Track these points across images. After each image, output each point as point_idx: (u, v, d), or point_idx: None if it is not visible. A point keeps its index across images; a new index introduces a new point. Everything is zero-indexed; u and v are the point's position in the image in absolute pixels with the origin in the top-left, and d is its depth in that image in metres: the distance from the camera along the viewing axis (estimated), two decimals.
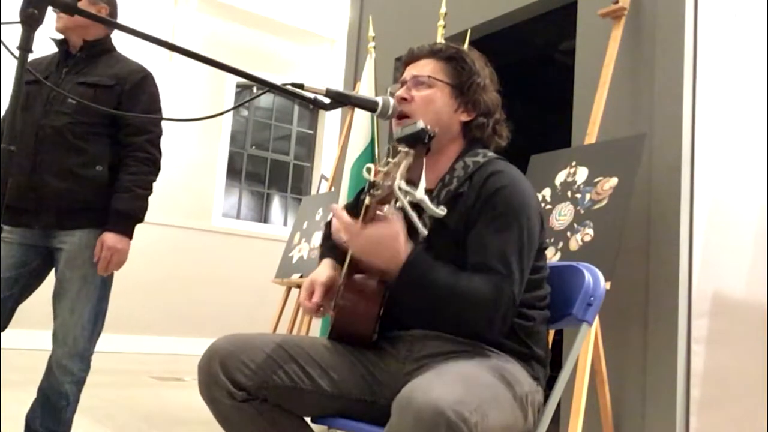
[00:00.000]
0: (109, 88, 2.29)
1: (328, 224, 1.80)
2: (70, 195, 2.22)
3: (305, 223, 4.20)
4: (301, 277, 3.90)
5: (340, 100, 1.43)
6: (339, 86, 4.12)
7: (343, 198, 3.58)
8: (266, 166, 7.91)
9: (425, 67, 1.60)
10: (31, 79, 2.20)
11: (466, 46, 2.77)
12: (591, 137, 2.68)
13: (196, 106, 6.83)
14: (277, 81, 1.39)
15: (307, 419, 1.53)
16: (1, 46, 1.24)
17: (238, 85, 7.47)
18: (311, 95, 1.41)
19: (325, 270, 1.61)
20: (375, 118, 3.09)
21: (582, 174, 2.59)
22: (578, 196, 2.56)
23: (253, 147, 7.81)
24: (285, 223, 7.86)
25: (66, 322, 2.23)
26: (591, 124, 2.69)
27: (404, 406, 1.16)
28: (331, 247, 1.67)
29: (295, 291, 4.14)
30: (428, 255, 1.40)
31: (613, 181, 2.46)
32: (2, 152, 1.10)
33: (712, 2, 2.68)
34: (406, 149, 1.26)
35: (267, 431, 1.45)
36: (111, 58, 2.40)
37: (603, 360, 2.49)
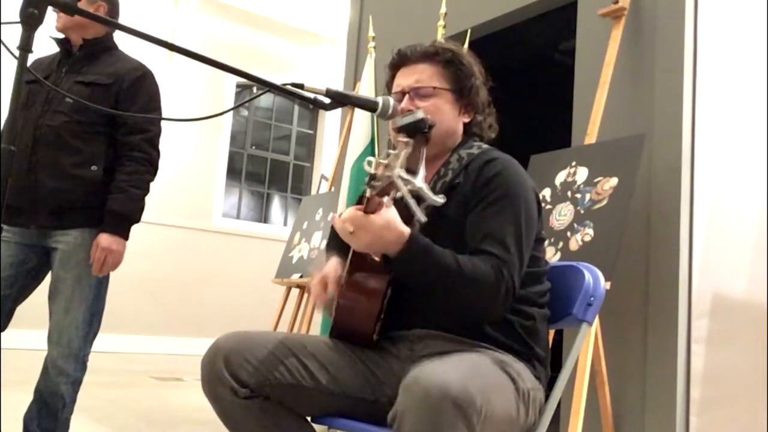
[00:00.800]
0: (106, 87, 2.28)
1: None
2: (64, 194, 2.21)
3: (305, 223, 4.20)
4: (301, 277, 3.90)
5: (340, 100, 1.44)
6: (339, 86, 4.12)
7: (343, 198, 3.58)
8: (266, 166, 7.91)
9: (424, 74, 1.60)
10: (31, 78, 2.20)
11: (466, 46, 2.78)
12: (591, 137, 2.68)
13: (196, 106, 6.83)
14: (277, 81, 1.39)
15: (308, 419, 1.53)
16: (1, 46, 1.24)
17: (238, 85, 7.47)
18: (311, 95, 1.41)
19: (334, 265, 1.61)
20: (375, 118, 3.09)
21: (582, 174, 2.59)
22: (578, 196, 2.56)
23: (253, 147, 7.80)
24: (285, 223, 7.86)
25: (61, 322, 2.22)
26: (591, 124, 2.69)
27: (411, 386, 1.17)
28: (337, 247, 1.68)
29: (295, 291, 4.15)
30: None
31: (613, 181, 2.46)
32: (2, 152, 1.10)
33: (712, 2, 2.68)
34: (406, 139, 1.27)
35: (269, 428, 1.45)
36: (111, 56, 2.38)
37: (603, 360, 2.49)
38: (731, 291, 2.62)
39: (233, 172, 7.58)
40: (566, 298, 1.56)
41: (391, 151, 1.27)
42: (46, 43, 2.32)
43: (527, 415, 1.38)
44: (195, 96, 6.95)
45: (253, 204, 7.84)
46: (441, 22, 3.40)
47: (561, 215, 2.58)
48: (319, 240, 3.98)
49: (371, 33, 3.86)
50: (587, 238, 2.43)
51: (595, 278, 1.56)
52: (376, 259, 1.47)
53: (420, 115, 1.30)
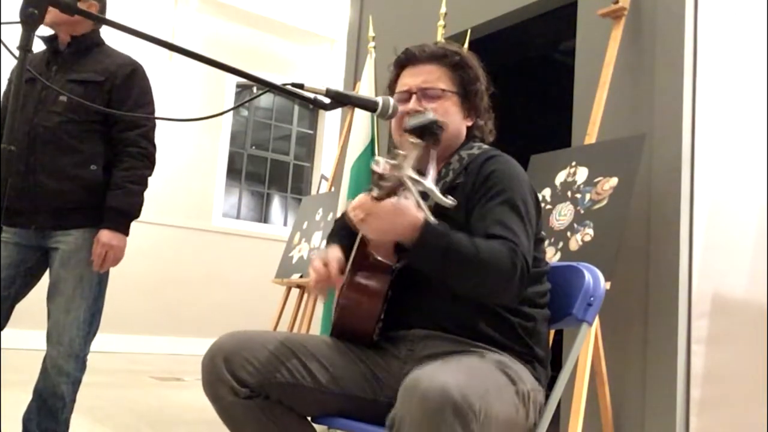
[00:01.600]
0: (99, 84, 2.27)
1: (337, 220, 1.80)
2: (65, 195, 2.21)
3: (305, 223, 4.20)
4: (301, 277, 3.90)
5: (340, 100, 1.44)
6: (339, 86, 4.12)
7: (343, 198, 3.58)
8: (266, 166, 7.91)
9: (432, 75, 1.60)
10: (25, 77, 2.19)
11: (466, 46, 2.78)
12: (591, 137, 2.68)
13: (196, 106, 6.84)
14: (277, 81, 1.39)
15: (308, 419, 1.53)
16: (1, 46, 1.24)
17: (238, 85, 7.47)
18: (311, 95, 1.41)
19: (334, 251, 1.59)
20: (375, 118, 3.09)
21: (582, 174, 2.59)
22: (578, 196, 2.56)
23: (253, 147, 7.80)
24: (285, 223, 7.86)
25: (61, 322, 2.22)
26: (591, 124, 2.69)
27: (410, 390, 1.17)
28: (338, 241, 1.68)
29: (295, 291, 4.15)
30: None
31: (613, 181, 2.46)
32: (2, 152, 1.10)
33: (712, 2, 2.68)
34: (416, 140, 1.26)
35: (269, 428, 1.45)
36: (100, 52, 2.36)
37: (603, 360, 2.49)
38: (731, 291, 2.62)
39: (233, 172, 7.58)
40: (566, 298, 1.57)
41: (400, 152, 1.26)
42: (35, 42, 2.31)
43: (527, 416, 1.38)
44: (195, 96, 6.95)
45: (253, 204, 7.84)
46: (441, 22, 3.40)
47: (561, 215, 2.58)
48: (319, 240, 3.98)
49: (371, 33, 3.86)
50: (587, 238, 2.43)
51: (595, 278, 1.56)
52: (378, 258, 1.47)
53: (431, 116, 1.30)
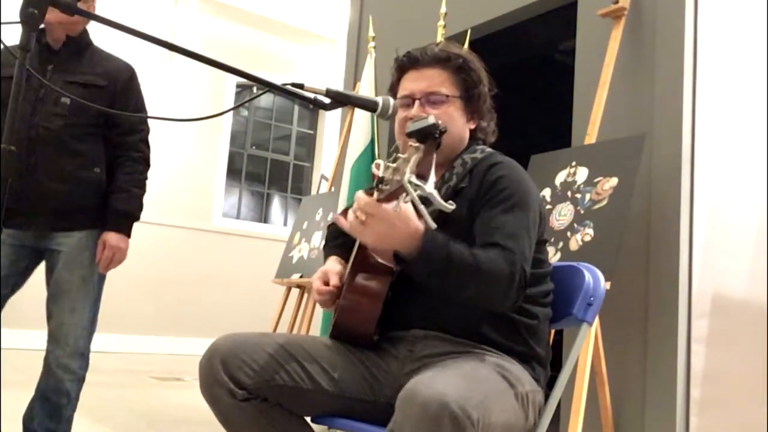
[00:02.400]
0: (101, 88, 2.28)
1: (330, 225, 1.80)
2: (67, 197, 2.22)
3: (305, 223, 4.20)
4: (301, 277, 3.90)
5: (340, 100, 1.43)
6: (339, 86, 4.12)
7: (343, 198, 3.58)
8: (266, 166, 7.91)
9: (435, 80, 1.58)
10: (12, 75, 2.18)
11: (466, 46, 2.78)
12: (591, 137, 2.68)
13: (196, 106, 6.83)
14: (277, 81, 1.39)
15: (307, 419, 1.53)
16: (1, 46, 1.24)
17: (238, 85, 7.47)
18: (311, 95, 1.41)
19: (333, 264, 1.61)
20: (375, 118, 3.08)
21: (582, 174, 2.59)
22: (578, 196, 2.56)
23: (253, 147, 7.80)
24: (285, 223, 7.86)
25: (66, 322, 2.23)
26: (591, 124, 2.69)
27: (409, 400, 1.16)
28: (335, 247, 1.67)
29: (295, 291, 4.15)
30: None
31: (613, 181, 2.46)
32: (2, 152, 1.10)
33: (712, 2, 2.68)
34: (416, 144, 1.26)
35: (267, 430, 1.45)
36: (94, 53, 2.36)
37: (603, 360, 2.49)
38: (731, 291, 2.62)
39: (233, 172, 7.58)
40: (566, 298, 1.57)
41: (401, 155, 1.26)
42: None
43: (526, 418, 1.38)
44: (195, 96, 6.94)
45: (253, 204, 7.84)
46: (441, 22, 3.40)
47: (561, 215, 2.58)
48: (319, 240, 3.98)
49: (371, 33, 3.86)
50: (587, 238, 2.43)
51: (595, 278, 1.56)
52: (378, 260, 1.46)
53: (432, 120, 1.29)
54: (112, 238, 2.24)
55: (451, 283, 1.37)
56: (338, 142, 4.41)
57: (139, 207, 2.33)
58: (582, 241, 2.45)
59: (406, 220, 1.32)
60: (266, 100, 7.88)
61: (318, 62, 7.87)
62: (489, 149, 1.62)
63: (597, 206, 2.47)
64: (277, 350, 1.45)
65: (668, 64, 2.64)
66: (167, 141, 6.80)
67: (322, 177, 7.03)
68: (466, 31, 3.41)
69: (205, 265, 6.92)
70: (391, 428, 1.19)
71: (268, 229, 7.63)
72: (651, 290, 2.55)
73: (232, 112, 7.58)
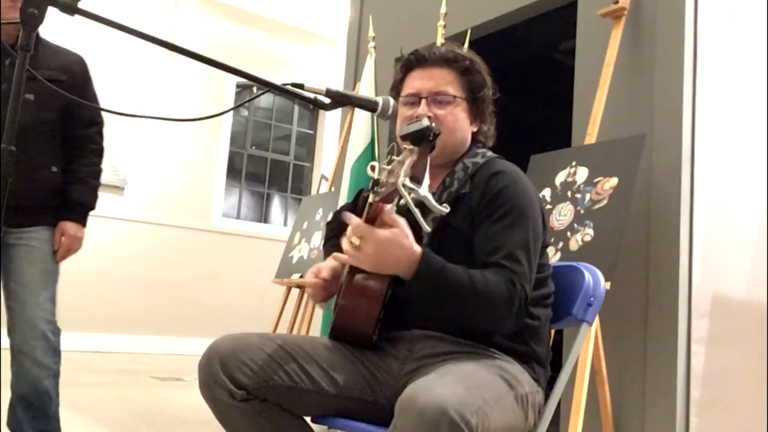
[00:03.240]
0: (62, 83, 2.29)
1: (329, 223, 1.80)
2: (28, 194, 2.23)
3: (305, 223, 4.20)
4: (301, 277, 3.90)
5: (340, 100, 1.43)
6: (339, 86, 4.12)
7: (343, 198, 3.58)
8: (266, 166, 7.91)
9: (443, 80, 1.57)
10: None
11: (466, 46, 2.78)
12: (591, 137, 2.68)
13: (196, 106, 6.83)
14: (277, 81, 1.39)
15: (307, 419, 1.53)
16: (1, 45, 1.24)
17: (238, 85, 7.48)
18: (311, 95, 1.41)
19: (330, 260, 1.62)
20: (375, 118, 3.08)
21: (582, 174, 2.59)
22: (578, 196, 2.56)
23: (253, 147, 7.81)
24: (285, 223, 7.86)
25: (33, 317, 2.24)
26: (591, 124, 2.69)
27: (407, 406, 1.16)
28: (333, 246, 1.68)
29: (295, 291, 4.15)
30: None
31: (613, 181, 2.46)
32: (2, 152, 1.10)
33: (712, 2, 2.68)
34: (411, 147, 1.26)
35: (267, 430, 1.45)
36: (46, 47, 2.36)
37: (603, 360, 2.49)
38: (731, 291, 2.62)
39: (233, 172, 7.58)
40: (566, 298, 1.56)
41: (396, 158, 1.26)
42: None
43: (526, 419, 1.38)
44: (195, 96, 6.94)
45: (253, 204, 7.84)
46: (441, 22, 3.40)
47: (561, 215, 2.58)
48: (319, 240, 3.98)
49: (371, 33, 3.86)
50: (587, 238, 2.43)
51: (595, 278, 1.56)
52: None
53: (425, 123, 1.28)
54: (70, 227, 2.32)
55: (448, 307, 1.38)
56: (338, 142, 4.41)
57: (96, 198, 2.42)
58: (582, 241, 2.45)
59: (399, 243, 1.32)
60: (266, 100, 7.88)
61: (318, 62, 7.87)
62: (490, 153, 1.61)
63: (597, 206, 2.47)
64: (276, 351, 1.45)
65: (668, 64, 2.64)
66: (167, 141, 6.81)
67: (322, 177, 7.03)
68: (466, 31, 3.41)
69: (205, 265, 6.92)
70: None
71: (268, 229, 7.63)
72: (651, 290, 2.55)
73: (232, 112, 7.58)
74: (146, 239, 6.58)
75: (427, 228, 1.26)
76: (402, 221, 1.34)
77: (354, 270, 1.48)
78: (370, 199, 1.30)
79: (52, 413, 2.27)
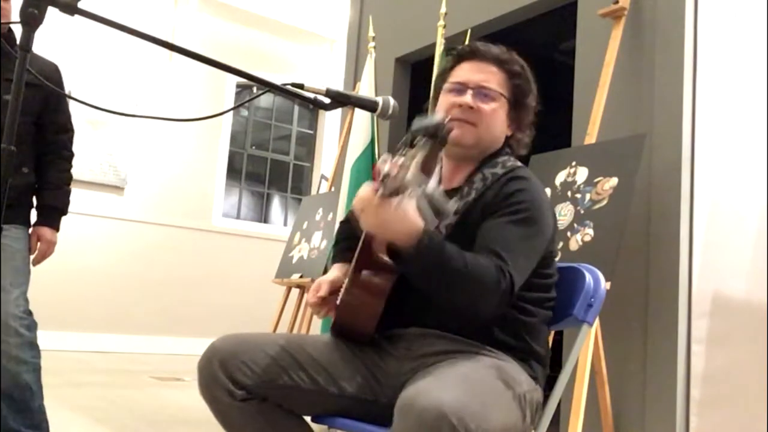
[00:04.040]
0: (38, 87, 2.31)
1: (342, 222, 1.80)
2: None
3: (305, 223, 4.20)
4: (301, 277, 3.90)
5: (340, 100, 1.43)
6: (339, 86, 4.12)
7: (343, 198, 3.58)
8: (266, 166, 7.91)
9: (493, 76, 1.58)
10: None
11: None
12: (591, 137, 2.68)
13: (196, 106, 6.83)
14: (277, 81, 1.39)
15: (307, 418, 1.53)
16: (1, 45, 1.24)
17: (238, 85, 7.47)
18: (311, 95, 1.41)
19: (333, 272, 1.62)
20: (375, 118, 3.09)
21: (582, 174, 2.59)
22: (578, 196, 2.56)
23: (253, 147, 7.80)
24: (285, 223, 7.86)
25: (5, 314, 2.24)
26: (591, 124, 2.69)
27: (407, 409, 1.16)
28: (343, 250, 1.68)
29: (295, 291, 4.15)
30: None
31: (613, 181, 2.46)
32: (2, 152, 1.10)
33: (712, 2, 2.68)
34: (422, 141, 1.26)
35: (266, 430, 1.45)
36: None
37: (603, 360, 2.49)
38: (731, 291, 2.62)
39: (233, 172, 7.58)
40: (567, 299, 1.56)
41: (408, 150, 1.25)
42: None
43: (524, 418, 1.38)
44: (195, 96, 6.94)
45: (253, 204, 7.84)
46: (441, 22, 3.40)
47: (561, 215, 2.58)
48: (319, 240, 3.98)
49: (371, 33, 3.86)
50: (587, 238, 2.43)
51: (595, 279, 1.55)
52: (383, 257, 1.46)
53: (439, 118, 1.28)
54: (46, 232, 2.38)
55: (439, 284, 1.36)
56: (338, 142, 4.41)
57: (69, 203, 2.48)
58: (582, 241, 2.45)
59: (405, 216, 1.30)
60: (266, 100, 7.88)
61: (318, 62, 7.87)
62: (513, 161, 1.60)
63: (597, 206, 2.47)
64: (276, 350, 1.46)
65: (668, 64, 2.64)
66: (167, 141, 6.80)
67: (322, 177, 7.03)
68: (466, 31, 3.42)
69: (205, 265, 6.92)
70: None
71: (268, 229, 7.62)
72: (651, 290, 2.55)
73: (232, 112, 7.58)
74: (146, 239, 6.57)
75: (435, 220, 1.26)
76: (411, 203, 1.32)
77: (359, 267, 1.48)
78: (379, 192, 1.29)
79: (35, 407, 2.29)
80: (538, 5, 3.32)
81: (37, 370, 2.30)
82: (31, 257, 2.42)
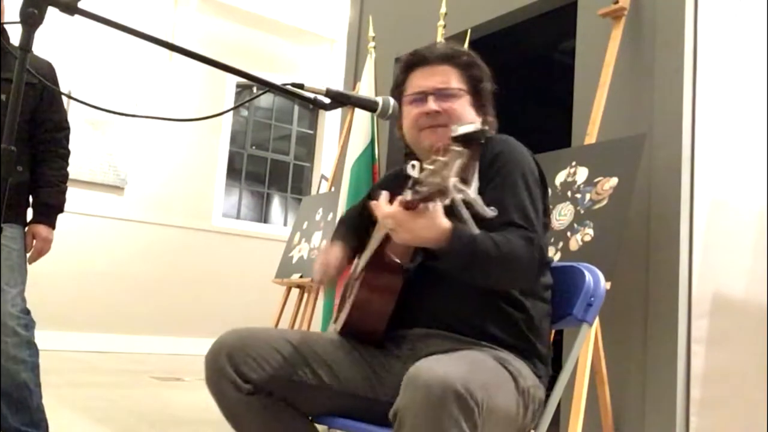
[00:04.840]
0: (34, 86, 2.32)
1: (343, 219, 1.82)
2: None
3: (305, 223, 4.20)
4: (301, 277, 3.91)
5: (340, 100, 1.44)
6: (339, 86, 4.12)
7: (343, 198, 3.57)
8: (266, 166, 7.91)
9: (446, 76, 1.60)
10: None
11: (465, 46, 2.78)
12: (591, 137, 2.68)
13: (196, 106, 6.83)
14: (277, 81, 1.39)
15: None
16: (1, 45, 1.24)
17: (238, 85, 7.48)
18: (311, 95, 1.41)
19: (336, 249, 1.65)
20: (375, 118, 3.09)
21: (582, 174, 2.59)
22: (578, 196, 2.56)
23: (253, 147, 7.81)
24: (285, 223, 7.86)
25: (6, 313, 2.25)
26: (591, 124, 2.69)
27: (413, 381, 1.18)
28: (343, 234, 1.70)
29: (295, 291, 4.15)
30: None
31: (613, 181, 2.46)
32: (2, 152, 1.10)
33: (712, 2, 2.68)
34: (461, 148, 1.26)
35: (271, 425, 1.46)
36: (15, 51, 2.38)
37: (603, 360, 2.49)
38: (731, 291, 2.62)
39: (233, 172, 7.58)
40: (566, 298, 1.57)
41: (440, 158, 1.25)
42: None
43: (526, 412, 1.39)
44: (195, 96, 6.95)
45: (253, 204, 7.84)
46: (441, 22, 3.40)
47: (561, 215, 2.58)
48: (319, 240, 3.98)
49: (371, 33, 3.86)
50: (587, 238, 2.43)
51: (595, 279, 1.56)
52: (394, 258, 1.47)
53: (478, 125, 1.30)
54: (42, 230, 2.38)
55: (478, 275, 1.39)
56: (338, 142, 4.41)
57: (65, 201, 2.47)
58: (582, 241, 2.45)
59: (433, 222, 1.31)
60: (266, 100, 7.88)
61: (318, 62, 7.87)
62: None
63: (597, 206, 2.47)
64: (282, 346, 1.47)
65: (668, 64, 2.64)
66: (167, 141, 6.80)
67: (322, 177, 7.03)
68: (466, 31, 3.41)
69: (205, 265, 6.92)
70: (396, 409, 1.20)
71: (268, 229, 7.63)
72: (651, 290, 2.55)
73: (232, 112, 7.58)
74: (146, 239, 6.57)
75: (475, 229, 1.26)
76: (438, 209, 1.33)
77: (370, 267, 1.49)
78: (410, 198, 1.29)
79: (34, 405, 2.29)
80: (538, 5, 3.32)
81: (35, 368, 2.30)
82: (27, 255, 2.41)
